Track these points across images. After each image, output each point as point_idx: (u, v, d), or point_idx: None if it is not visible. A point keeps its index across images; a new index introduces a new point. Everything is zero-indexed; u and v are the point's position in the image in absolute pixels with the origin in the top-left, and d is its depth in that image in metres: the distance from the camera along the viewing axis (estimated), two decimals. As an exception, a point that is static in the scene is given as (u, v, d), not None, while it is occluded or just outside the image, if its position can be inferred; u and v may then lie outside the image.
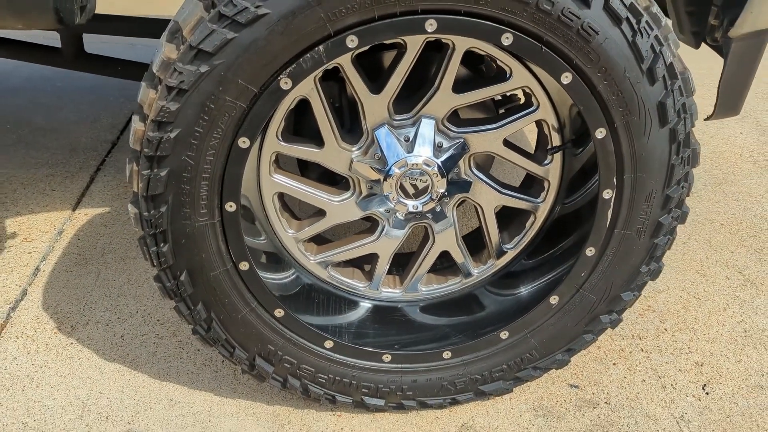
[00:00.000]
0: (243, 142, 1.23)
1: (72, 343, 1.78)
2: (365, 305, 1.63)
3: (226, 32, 1.12)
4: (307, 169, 1.64)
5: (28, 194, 2.46)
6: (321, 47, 1.16)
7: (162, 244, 1.29)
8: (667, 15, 1.87)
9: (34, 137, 2.87)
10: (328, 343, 1.49)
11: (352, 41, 1.16)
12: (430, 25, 1.16)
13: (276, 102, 1.21)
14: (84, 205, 2.43)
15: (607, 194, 1.37)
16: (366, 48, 1.20)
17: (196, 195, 1.25)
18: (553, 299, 1.50)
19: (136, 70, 2.14)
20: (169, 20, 2.17)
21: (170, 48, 1.15)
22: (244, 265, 1.36)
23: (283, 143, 1.38)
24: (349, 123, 1.50)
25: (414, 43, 1.27)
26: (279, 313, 1.43)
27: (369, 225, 1.59)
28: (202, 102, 1.17)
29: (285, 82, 1.19)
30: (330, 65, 1.22)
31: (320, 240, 1.63)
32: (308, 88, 1.30)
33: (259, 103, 1.19)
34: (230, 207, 1.29)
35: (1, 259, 2.10)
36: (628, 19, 1.17)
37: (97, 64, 2.04)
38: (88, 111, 3.14)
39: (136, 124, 1.21)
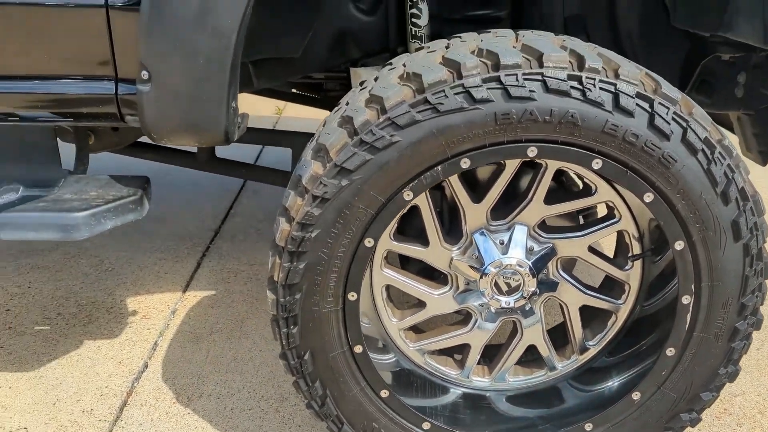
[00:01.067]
0: (368, 242, 1.46)
1: (189, 413, 1.99)
2: (457, 391, 1.78)
3: (365, 154, 1.38)
4: (407, 264, 1.86)
5: (144, 275, 2.77)
6: (439, 167, 1.40)
7: (292, 326, 1.51)
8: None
9: (149, 225, 3.22)
10: (426, 425, 1.64)
11: (465, 163, 1.40)
12: (532, 151, 1.39)
13: (398, 209, 1.45)
14: (193, 287, 2.71)
15: (686, 300, 1.52)
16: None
17: (326, 285, 1.48)
18: (636, 395, 1.62)
19: (257, 173, 2.46)
20: (283, 131, 2.53)
21: (317, 165, 1.42)
22: (358, 348, 1.56)
23: (394, 242, 1.61)
24: (448, 225, 1.72)
25: (513, 163, 1.50)
26: (384, 393, 1.61)
27: (462, 317, 1.77)
28: (340, 209, 1.41)
29: (407, 194, 1.43)
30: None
31: (418, 328, 1.82)
32: (421, 198, 1.54)
33: (385, 211, 1.43)
34: (352, 296, 1.51)
35: (125, 333, 2.37)
36: (703, 150, 1.37)
37: (226, 167, 2.37)
38: (194, 201, 3.51)
39: (282, 225, 1.46)
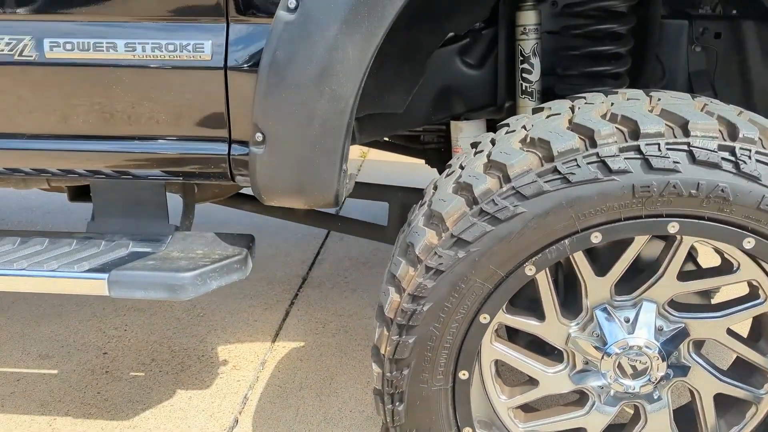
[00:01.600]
0: (484, 318, 1.36)
1: (279, 477, 1.92)
2: (570, 478, 1.62)
3: (486, 225, 1.29)
4: (516, 337, 1.74)
5: (235, 322, 2.76)
6: (567, 241, 1.29)
7: (398, 403, 1.42)
8: None
9: (238, 269, 3.24)
10: None
11: (596, 237, 1.28)
12: (672, 227, 1.26)
13: (518, 285, 1.34)
14: (282, 337, 2.68)
15: None
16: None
17: (436, 362, 1.38)
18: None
19: (354, 227, 2.41)
20: (381, 185, 2.48)
21: (432, 234, 1.34)
22: (466, 431, 1.44)
23: (508, 315, 1.50)
24: (563, 295, 1.59)
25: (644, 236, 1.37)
26: (492, 479, 1.48)
27: (577, 397, 1.62)
28: (455, 282, 1.32)
29: (529, 269, 1.32)
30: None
31: (527, 407, 1.68)
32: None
33: (504, 285, 1.33)
34: (463, 375, 1.40)
35: (216, 384, 2.35)
36: None
37: (323, 220, 2.34)
38: (282, 246, 3.52)
39: (392, 296, 1.39)
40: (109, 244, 1.68)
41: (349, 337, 2.68)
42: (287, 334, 2.71)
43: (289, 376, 2.41)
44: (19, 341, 2.60)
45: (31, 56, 1.42)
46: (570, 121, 1.33)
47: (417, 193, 2.31)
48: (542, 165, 1.27)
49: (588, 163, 1.24)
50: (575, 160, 1.24)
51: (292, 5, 1.30)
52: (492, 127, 2.41)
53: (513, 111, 2.03)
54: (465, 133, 2.19)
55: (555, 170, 1.25)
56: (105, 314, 2.81)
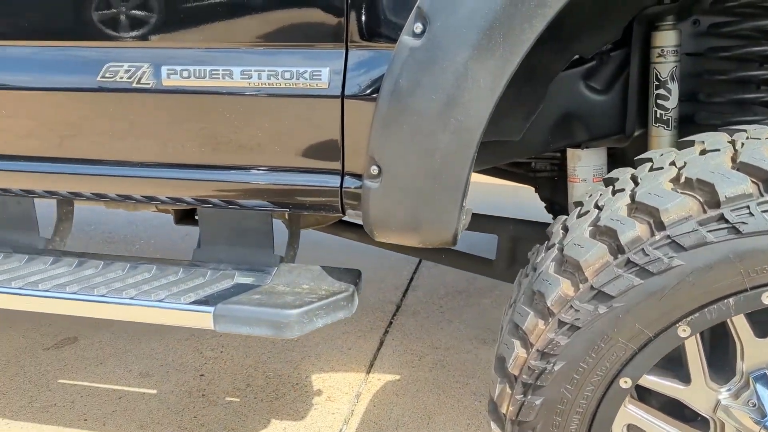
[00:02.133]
0: (624, 383, 1.20)
1: None
2: None
3: (633, 278, 1.13)
4: (647, 396, 1.54)
5: (329, 350, 2.69)
6: (731, 300, 1.11)
7: (520, 470, 1.27)
8: None
9: (332, 292, 3.18)
10: None
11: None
12: None
13: (669, 347, 1.17)
14: (377, 368, 2.58)
15: None
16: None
17: (565, 428, 1.22)
18: None
19: (459, 260, 2.28)
20: (488, 215, 2.33)
21: (567, 285, 1.19)
22: (597, 506, 1.27)
23: (647, 376, 1.32)
24: (708, 352, 1.39)
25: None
26: None
27: (724, 473, 1.41)
28: (593, 340, 1.17)
29: (683, 330, 1.14)
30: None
31: (662, 479, 1.48)
32: (690, 329, 1.24)
33: (651, 347, 1.16)
34: (597, 444, 1.24)
35: (310, 416, 2.28)
36: None
37: (426, 252, 2.22)
38: (375, 271, 3.44)
39: (518, 350, 1.24)
40: (215, 273, 1.64)
41: (446, 373, 2.54)
42: (382, 365, 2.60)
43: (385, 412, 2.30)
44: (122, 357, 2.64)
45: (149, 84, 1.40)
46: (735, 160, 1.15)
47: (529, 227, 2.16)
48: (704, 211, 1.09)
49: (763, 212, 1.05)
50: (747, 207, 1.06)
51: (419, 30, 1.20)
52: (613, 155, 2.24)
53: (643, 140, 1.84)
54: (584, 162, 2.02)
55: (721, 218, 1.07)
56: (202, 334, 2.81)
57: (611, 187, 1.36)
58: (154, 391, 2.43)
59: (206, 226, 1.73)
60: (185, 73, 1.38)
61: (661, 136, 1.73)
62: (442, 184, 1.27)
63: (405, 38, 1.22)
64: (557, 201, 2.82)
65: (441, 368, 2.57)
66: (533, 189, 2.95)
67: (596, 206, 1.32)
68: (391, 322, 2.94)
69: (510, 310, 1.44)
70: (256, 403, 2.35)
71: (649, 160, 1.36)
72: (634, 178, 1.31)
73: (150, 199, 1.58)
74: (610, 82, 1.81)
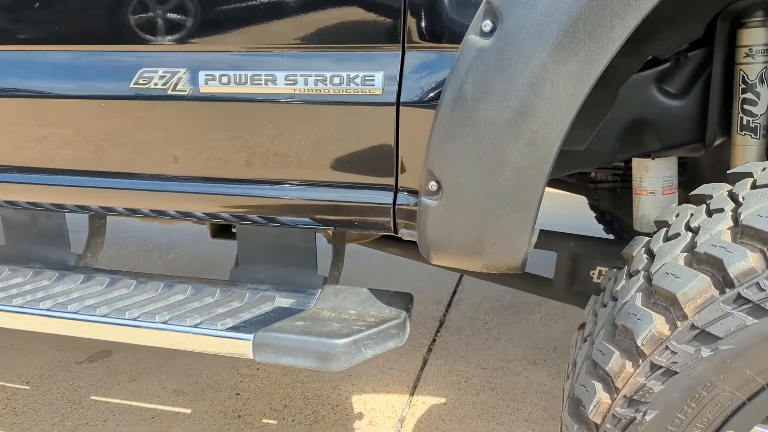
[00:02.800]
0: (729, 437, 1.03)
1: None
2: None
3: (745, 317, 0.96)
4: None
5: (370, 369, 2.55)
6: None
7: None
8: None
9: (371, 306, 3.05)
10: None
11: None
12: None
13: (784, 397, 0.99)
14: (420, 390, 2.43)
15: None
16: None
17: (658, 485, 1.06)
18: None
19: (518, 281, 2.11)
20: (546, 230, 2.16)
21: (661, 322, 1.02)
22: None
23: (758, 428, 1.14)
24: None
25: None
26: None
27: None
28: (693, 387, 1.00)
29: (804, 378, 0.97)
30: None
31: None
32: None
33: (763, 396, 0.99)
34: (693, 505, 1.07)
35: (352, 442, 2.15)
36: None
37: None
38: (414, 282, 3.29)
39: (600, 394, 1.08)
40: (254, 296, 1.51)
41: (495, 397, 2.38)
42: (426, 387, 2.45)
43: (431, 440, 2.15)
44: (156, 373, 2.55)
45: (185, 91, 1.28)
46: None
47: (592, 244, 1.99)
48: (835, 239, 0.92)
49: None
50: None
51: (488, 28, 1.05)
52: (683, 165, 2.05)
53: (719, 149, 1.66)
54: (652, 173, 1.84)
55: None
56: (237, 349, 2.71)
57: (704, 206, 1.19)
58: (189, 411, 2.32)
59: (245, 244, 1.61)
60: (224, 79, 1.26)
61: (748, 145, 1.55)
62: (511, 202, 1.12)
63: (471, 38, 1.08)
64: (617, 215, 2.63)
65: (489, 391, 2.41)
66: (585, 199, 2.77)
67: (688, 228, 1.15)
68: (434, 340, 2.79)
69: (584, 343, 1.28)
70: (294, 427, 2.22)
71: (748, 174, 1.18)
72: (733, 196, 1.14)
73: (185, 215, 1.46)
74: (688, 85, 1.63)
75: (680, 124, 1.66)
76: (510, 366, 2.57)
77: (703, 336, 0.98)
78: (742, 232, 1.02)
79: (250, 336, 1.35)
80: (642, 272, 1.15)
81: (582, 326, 1.49)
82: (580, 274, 1.92)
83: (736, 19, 1.49)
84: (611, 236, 2.81)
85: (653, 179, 1.85)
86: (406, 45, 1.17)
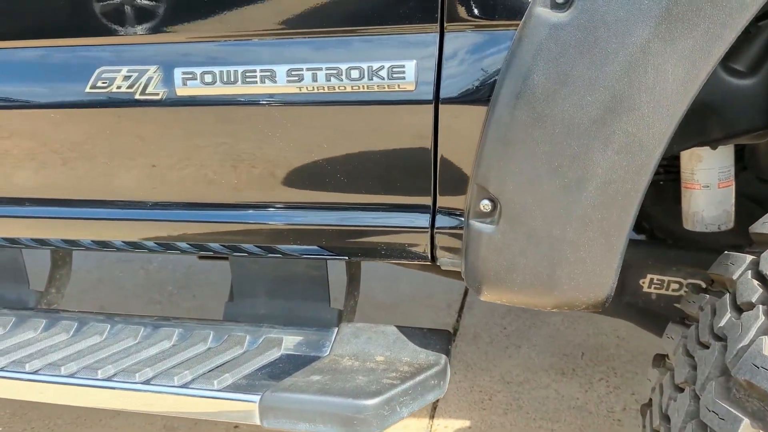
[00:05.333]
0: None
1: None
2: None
3: None
4: None
5: (382, 390, 2.30)
6: None
7: None
8: None
9: (377, 313, 2.79)
10: None
11: None
12: None
13: None
14: (441, 412, 2.18)
15: None
16: None
17: None
18: None
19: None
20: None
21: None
22: None
23: None
24: None
25: None
26: None
27: None
28: None
29: None
30: None
31: None
32: None
33: None
34: None
35: (371, 483, 1.89)
36: None
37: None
38: (422, 285, 3.03)
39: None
40: (256, 339, 1.24)
41: (525, 416, 2.14)
42: (447, 408, 2.20)
43: (460, 473, 1.91)
44: (141, 407, 2.27)
45: (158, 94, 0.99)
46: None
47: (643, 249, 1.73)
48: None
49: None
50: None
51: (563, -3, 0.78)
52: (740, 152, 1.80)
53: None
54: (706, 163, 1.59)
55: None
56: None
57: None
58: (182, 452, 2.05)
59: (240, 272, 1.34)
60: (208, 77, 0.97)
61: (836, 130, 1.30)
62: (596, 226, 0.86)
63: (539, 11, 0.80)
64: (658, 212, 2.38)
65: (517, 410, 2.17)
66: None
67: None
68: (449, 351, 2.54)
69: (677, 392, 1.02)
70: (304, 465, 1.97)
71: None
72: None
73: (166, 247, 1.18)
74: (758, 61, 1.37)
75: (749, 107, 1.40)
76: (536, 378, 2.33)
77: None
78: None
79: (256, 398, 1.08)
80: (760, 306, 0.90)
81: (659, 361, 1.24)
82: (629, 284, 1.67)
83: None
84: (641, 236, 2.56)
85: (708, 170, 1.60)
86: (446, 24, 0.89)
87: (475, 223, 0.93)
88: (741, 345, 0.87)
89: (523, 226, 0.89)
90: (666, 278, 1.68)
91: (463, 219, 0.97)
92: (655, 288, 1.71)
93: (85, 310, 1.40)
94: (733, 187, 1.63)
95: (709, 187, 1.63)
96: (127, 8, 0.96)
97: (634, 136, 0.79)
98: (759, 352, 0.84)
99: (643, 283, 1.72)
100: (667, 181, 1.98)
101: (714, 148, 1.54)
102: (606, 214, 0.85)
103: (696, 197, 1.64)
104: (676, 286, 1.64)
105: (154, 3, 0.96)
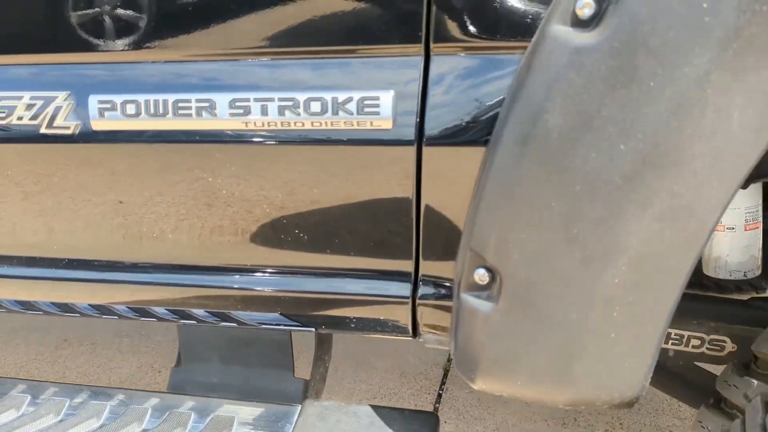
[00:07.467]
0: None
1: None
2: None
3: None
4: None
5: (364, 442, 2.08)
6: None
7: None
8: None
9: (361, 355, 2.58)
10: None
11: None
12: None
13: None
14: (429, 470, 1.97)
15: None
16: None
17: None
18: None
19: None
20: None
21: None
22: None
23: None
24: None
25: None
26: None
27: None
28: None
29: None
30: None
31: None
32: None
33: None
34: None
35: None
36: None
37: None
38: (411, 318, 2.83)
39: None
40: (202, 419, 1.02)
41: (524, 475, 1.93)
42: (436, 464, 1.99)
43: None
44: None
45: (68, 128, 0.78)
46: None
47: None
48: None
49: None
50: None
51: (588, 12, 0.58)
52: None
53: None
54: (732, 203, 1.41)
55: None
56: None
57: None
58: None
59: (190, 333, 1.12)
60: (131, 108, 0.76)
61: None
62: (626, 311, 0.65)
63: (556, 30, 0.60)
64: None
65: (517, 466, 1.96)
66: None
67: None
68: (440, 395, 2.32)
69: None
70: None
71: None
72: None
73: (100, 311, 0.96)
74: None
75: None
76: (535, 428, 2.12)
77: None
78: None
79: (195, 505, 0.87)
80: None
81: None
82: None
83: None
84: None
85: (734, 211, 1.43)
86: (432, 45, 0.68)
87: (468, 298, 0.73)
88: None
89: (530, 307, 0.68)
90: (686, 333, 1.49)
91: (453, 290, 0.76)
92: (672, 344, 1.52)
93: (3, 376, 1.18)
94: (760, 230, 1.46)
95: (734, 229, 1.45)
96: (20, 20, 0.76)
97: (682, 198, 0.59)
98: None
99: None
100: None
101: (745, 187, 1.36)
102: (640, 297, 0.64)
103: (720, 240, 1.47)
104: (697, 342, 1.46)
105: (60, 13, 0.75)
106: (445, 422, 2.17)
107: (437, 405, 2.27)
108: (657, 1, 0.55)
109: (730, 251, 1.45)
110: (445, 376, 2.44)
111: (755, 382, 0.86)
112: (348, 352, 2.56)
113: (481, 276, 0.72)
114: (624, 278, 0.64)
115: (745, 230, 1.44)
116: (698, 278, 2.15)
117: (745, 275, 1.48)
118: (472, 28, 0.68)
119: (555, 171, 0.62)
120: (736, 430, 0.85)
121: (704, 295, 1.87)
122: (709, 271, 1.50)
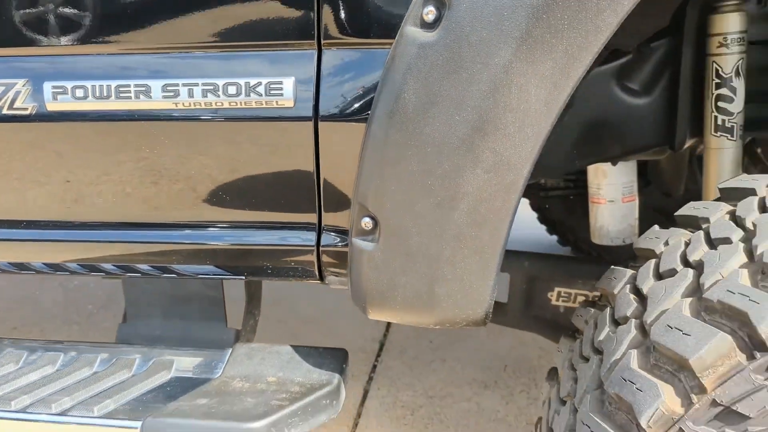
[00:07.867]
0: None
1: None
2: None
3: (783, 392, 0.74)
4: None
5: (303, 408, 2.26)
6: None
7: None
8: None
9: (300, 329, 2.75)
10: None
11: None
12: None
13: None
14: (362, 428, 2.16)
15: None
16: None
17: None
18: None
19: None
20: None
21: (670, 394, 0.79)
22: None
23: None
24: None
25: None
26: None
27: None
28: (719, 478, 0.77)
29: None
30: None
31: None
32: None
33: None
34: None
35: (286, 505, 1.85)
36: None
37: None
38: (348, 300, 3.01)
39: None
40: (146, 362, 1.19)
41: (446, 430, 2.14)
42: (368, 424, 2.18)
43: (377, 492, 1.89)
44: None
45: (26, 109, 0.95)
46: None
47: (548, 263, 1.76)
48: None
49: None
50: None
51: (431, 16, 0.78)
52: (642, 168, 1.86)
53: (689, 153, 1.48)
54: (611, 179, 1.65)
55: None
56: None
57: (701, 232, 0.97)
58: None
59: (134, 293, 1.29)
60: (79, 92, 0.93)
61: (724, 147, 1.36)
62: (470, 244, 0.86)
63: (410, 30, 0.81)
64: (571, 225, 2.44)
65: (439, 423, 2.17)
66: (528, 202, 2.58)
67: (686, 263, 0.93)
68: (375, 366, 2.52)
69: (560, 405, 1.04)
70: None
71: (750, 191, 0.97)
72: (738, 221, 0.92)
73: (55, 269, 1.12)
74: (652, 81, 1.42)
75: (644, 125, 1.45)
76: (459, 391, 2.34)
77: (728, 416, 0.76)
78: (763, 272, 0.80)
79: (137, 424, 1.03)
80: (633, 320, 0.92)
81: (551, 373, 1.26)
82: (537, 298, 1.70)
83: (707, 4, 1.30)
84: (566, 249, 2.62)
85: (612, 186, 1.66)
86: (323, 42, 0.89)
87: (358, 241, 0.92)
88: (614, 358, 0.89)
89: (401, 245, 0.88)
90: (573, 291, 1.71)
91: (348, 237, 0.96)
92: (562, 301, 1.74)
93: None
94: (636, 202, 1.69)
95: (613, 201, 1.68)
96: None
97: (502, 155, 0.80)
98: (628, 366, 0.85)
99: (551, 296, 1.76)
100: (577, 195, 2.05)
101: (614, 164, 1.59)
102: (479, 232, 0.85)
103: (602, 212, 1.69)
104: (582, 299, 1.68)
105: (22, 13, 0.92)
106: (379, 388, 2.37)
107: (372, 374, 2.46)
108: (476, 10, 0.76)
109: (611, 221, 1.69)
110: (381, 348, 2.64)
111: (593, 309, 1.09)
112: (291, 332, 2.73)
113: (366, 223, 0.91)
114: (467, 218, 0.84)
115: (623, 202, 1.68)
116: (586, 247, 2.41)
117: (623, 241, 1.72)
118: (352, 30, 0.87)
119: (412, 137, 0.82)
120: (577, 348, 1.07)
121: (587, 260, 2.11)
122: (595, 239, 1.74)
